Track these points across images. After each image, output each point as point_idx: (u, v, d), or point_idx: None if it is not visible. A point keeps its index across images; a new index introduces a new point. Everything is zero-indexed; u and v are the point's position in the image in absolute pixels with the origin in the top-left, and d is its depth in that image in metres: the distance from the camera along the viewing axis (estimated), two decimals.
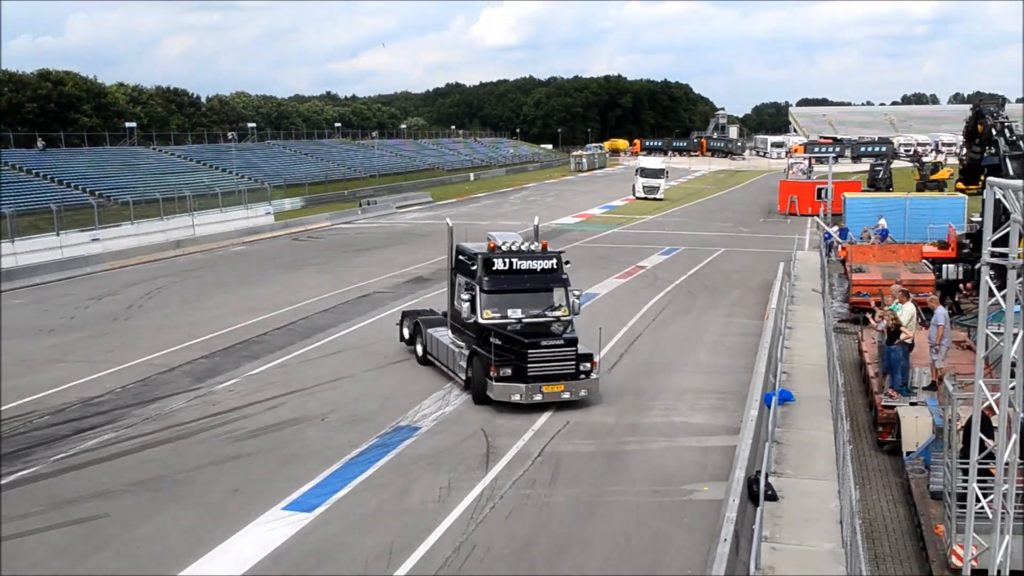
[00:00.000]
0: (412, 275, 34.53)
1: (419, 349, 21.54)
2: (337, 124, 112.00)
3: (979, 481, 10.40)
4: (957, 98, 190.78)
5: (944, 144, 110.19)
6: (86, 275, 36.16)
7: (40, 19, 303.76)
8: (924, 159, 79.65)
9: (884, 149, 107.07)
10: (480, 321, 18.58)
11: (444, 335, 20.48)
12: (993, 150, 29.11)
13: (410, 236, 48.07)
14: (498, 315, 18.66)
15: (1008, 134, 28.81)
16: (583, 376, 18.06)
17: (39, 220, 43.24)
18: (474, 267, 19.19)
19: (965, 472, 10.92)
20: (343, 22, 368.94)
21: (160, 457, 15.66)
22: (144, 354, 22.56)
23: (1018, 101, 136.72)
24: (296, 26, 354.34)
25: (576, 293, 19.37)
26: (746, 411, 16.87)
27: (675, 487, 14.49)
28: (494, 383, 17.70)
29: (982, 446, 10.49)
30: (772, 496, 13.16)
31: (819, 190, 55.78)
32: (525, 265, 19.19)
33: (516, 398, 17.62)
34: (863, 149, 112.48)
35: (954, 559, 11.69)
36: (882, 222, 37.46)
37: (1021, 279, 9.84)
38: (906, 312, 18.86)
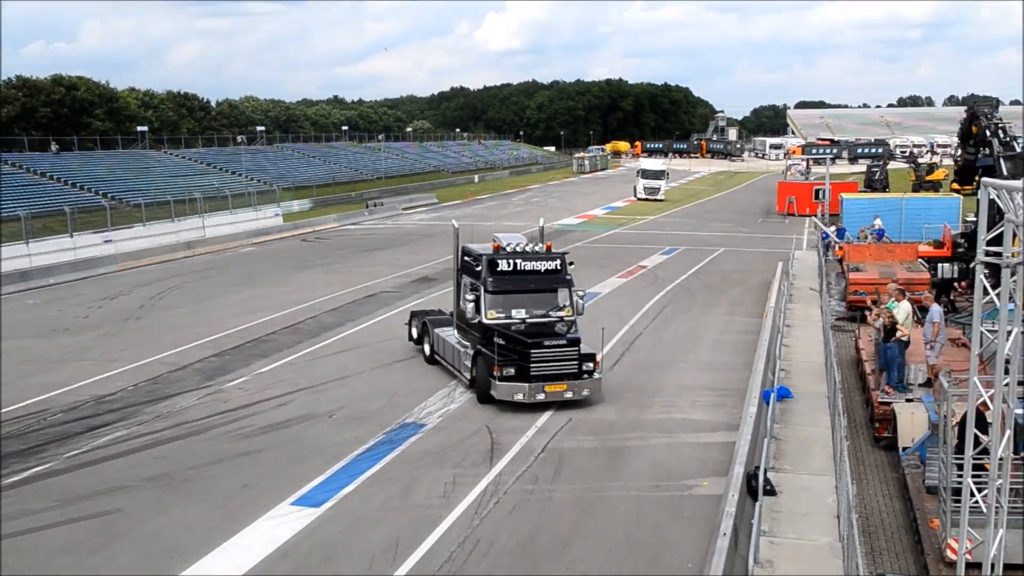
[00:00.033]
0: (418, 275, 34.53)
1: (426, 349, 21.51)
2: (344, 127, 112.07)
3: (973, 476, 10.37)
4: (952, 100, 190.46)
5: (939, 145, 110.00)
6: (99, 276, 36.21)
7: (54, 25, 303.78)
8: (920, 160, 79.56)
9: (880, 150, 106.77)
10: (484, 321, 18.51)
11: (450, 335, 20.43)
12: (987, 151, 29.07)
13: (415, 237, 48.07)
14: (502, 315, 18.58)
15: (1002, 135, 28.76)
16: (586, 376, 17.95)
17: (53, 222, 43.36)
18: (479, 268, 19.13)
19: (960, 467, 10.89)
20: (350, 27, 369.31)
21: (171, 454, 15.69)
22: (155, 353, 22.59)
23: (1012, 103, 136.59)
24: (304, 32, 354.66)
25: (580, 293, 19.31)
26: (745, 408, 16.85)
27: (675, 482, 14.48)
28: (498, 382, 17.65)
29: (977, 442, 10.48)
30: (771, 491, 13.17)
31: (817, 191, 55.59)
32: (529, 266, 19.08)
33: (519, 397, 17.56)
34: (860, 150, 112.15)
35: (949, 553, 11.69)
36: (878, 222, 37.41)
37: (1015, 278, 9.82)
38: (902, 310, 18.85)
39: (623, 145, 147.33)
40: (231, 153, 78.39)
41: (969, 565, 10.47)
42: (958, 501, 10.74)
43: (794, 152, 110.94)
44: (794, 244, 42.85)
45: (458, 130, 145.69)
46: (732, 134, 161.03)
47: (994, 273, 10.25)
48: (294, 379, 20.23)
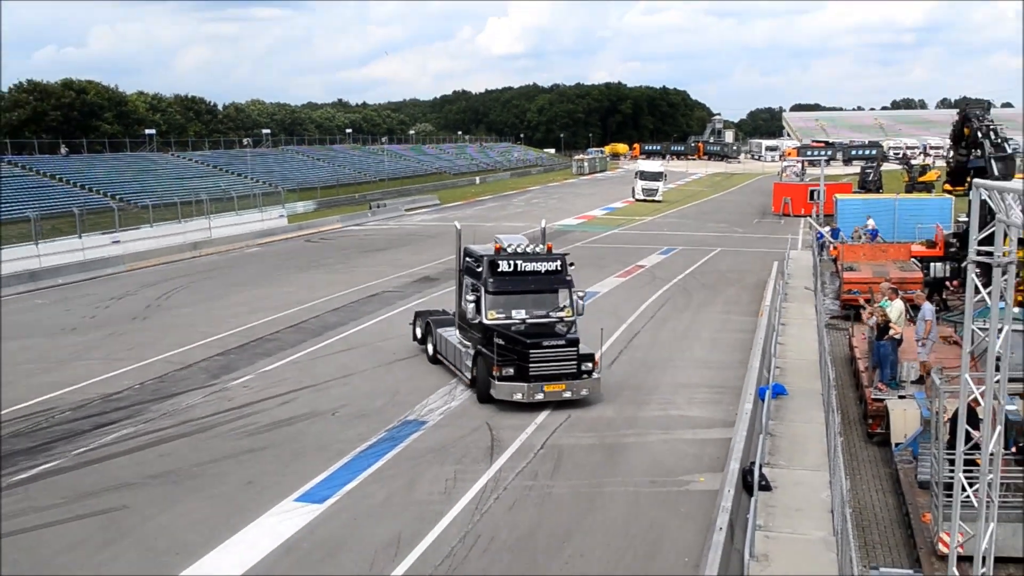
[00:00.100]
0: (420, 275, 34.50)
1: (430, 348, 21.43)
2: (348, 130, 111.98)
3: (965, 471, 10.36)
4: (944, 103, 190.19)
5: (932, 147, 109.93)
6: (107, 276, 36.20)
7: (64, 30, 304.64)
8: (913, 162, 79.53)
9: (874, 152, 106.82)
10: (484, 321, 18.38)
11: (453, 335, 20.30)
12: (979, 152, 29.03)
13: (418, 237, 48.05)
14: (502, 316, 18.44)
15: (993, 137, 28.73)
16: (585, 375, 17.83)
17: (62, 223, 43.33)
18: (480, 269, 19.03)
19: (952, 462, 10.88)
20: (354, 32, 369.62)
21: (177, 451, 15.67)
22: (162, 351, 22.57)
23: (1003, 106, 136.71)
24: (309, 36, 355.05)
25: (580, 294, 19.20)
26: (741, 404, 16.82)
27: (672, 478, 14.45)
28: (497, 382, 17.54)
29: (968, 437, 10.46)
30: (766, 486, 13.14)
31: (811, 192, 55.64)
32: (529, 267, 18.94)
33: (518, 397, 17.45)
34: (854, 152, 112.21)
35: (941, 546, 11.67)
36: (870, 222, 37.33)
37: (1006, 276, 9.80)
38: (895, 309, 18.83)
39: (622, 147, 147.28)
40: (237, 155, 78.31)
41: (961, 558, 10.46)
42: (950, 496, 10.72)
43: (789, 154, 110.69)
44: (789, 244, 42.84)
45: (460, 132, 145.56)
46: (729, 136, 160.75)
47: (985, 272, 10.22)
48: (298, 377, 20.20)
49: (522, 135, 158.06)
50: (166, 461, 15.15)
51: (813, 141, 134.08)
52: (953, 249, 28.89)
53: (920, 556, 12.12)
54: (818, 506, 12.73)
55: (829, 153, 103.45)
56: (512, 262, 18.86)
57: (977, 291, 10.02)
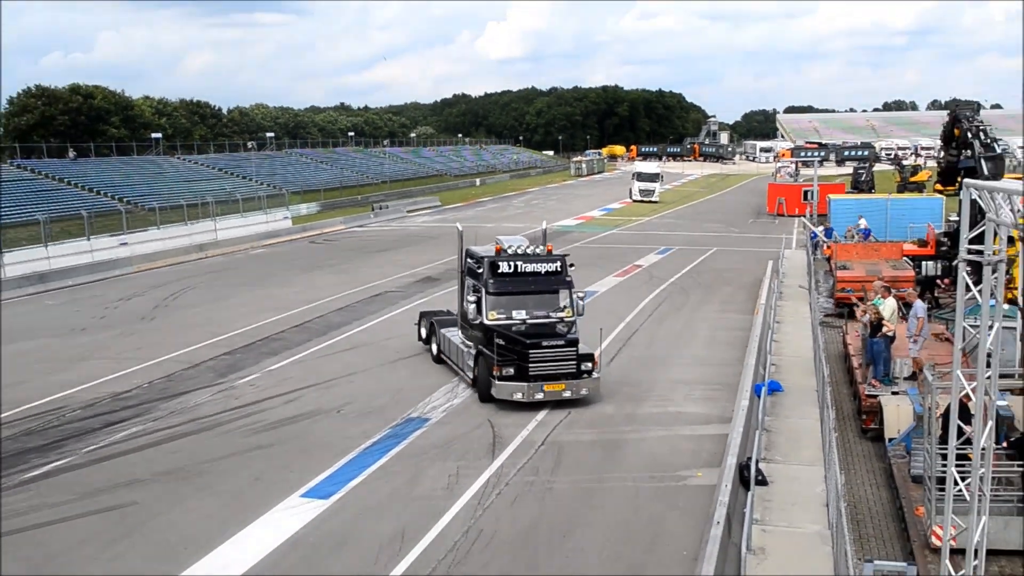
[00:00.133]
0: (422, 275, 34.50)
1: (434, 348, 21.40)
2: (350, 133, 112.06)
3: (957, 465, 10.37)
4: (935, 104, 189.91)
5: (923, 148, 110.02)
6: (115, 277, 36.21)
7: (71, 36, 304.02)
8: (904, 162, 79.60)
9: (866, 153, 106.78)
10: (485, 322, 18.29)
11: (456, 335, 20.23)
12: (969, 153, 29.00)
13: (420, 238, 48.03)
14: (503, 316, 18.34)
15: (983, 137, 28.70)
16: (584, 375, 17.72)
17: (71, 226, 43.35)
18: (481, 270, 18.96)
19: (944, 457, 10.89)
20: (356, 37, 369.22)
21: (185, 448, 15.68)
22: (170, 351, 22.58)
23: (993, 107, 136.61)
24: (312, 41, 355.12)
25: (580, 295, 19.13)
26: (737, 401, 16.85)
27: (671, 473, 14.46)
28: (497, 382, 17.46)
29: (960, 432, 10.47)
30: (762, 481, 13.16)
31: (805, 192, 55.60)
32: (530, 268, 18.85)
33: (518, 396, 17.36)
34: (847, 153, 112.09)
35: (934, 539, 11.69)
36: (862, 222, 37.36)
37: (996, 275, 9.81)
38: (888, 306, 18.82)
39: (619, 149, 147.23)
40: (242, 158, 78.31)
41: (953, 551, 10.47)
42: (942, 489, 10.74)
43: (783, 155, 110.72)
44: (784, 243, 42.81)
45: (460, 135, 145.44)
46: (724, 138, 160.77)
47: (976, 270, 10.23)
48: (303, 376, 20.21)
49: (521, 137, 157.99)
50: (174, 458, 15.16)
51: (807, 142, 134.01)
52: (944, 248, 28.91)
53: (914, 549, 12.13)
54: (813, 500, 12.75)
55: (822, 154, 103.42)
56: (512, 263, 18.79)
57: (968, 289, 10.03)
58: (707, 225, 53.42)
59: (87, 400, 18.55)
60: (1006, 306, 13.97)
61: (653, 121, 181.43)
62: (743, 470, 13.16)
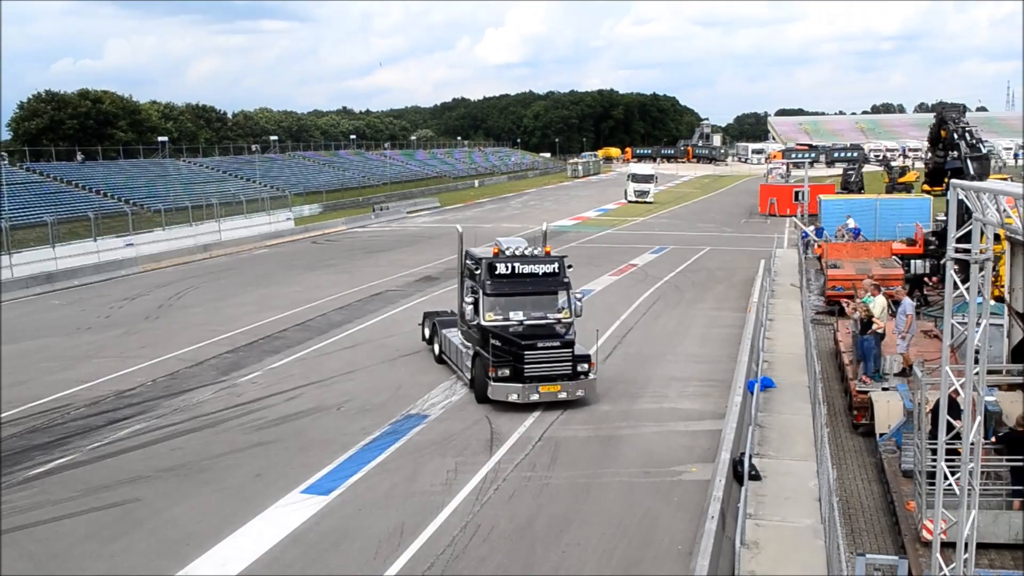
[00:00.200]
0: (421, 275, 34.40)
1: (436, 348, 21.21)
2: (352, 136, 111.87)
3: (947, 460, 10.27)
4: (922, 107, 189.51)
5: (911, 149, 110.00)
6: (121, 277, 36.12)
7: (81, 43, 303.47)
8: (892, 163, 79.69)
9: (856, 155, 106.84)
10: (482, 323, 17.99)
11: (456, 336, 20.00)
12: (955, 154, 28.94)
13: (419, 239, 47.94)
14: (500, 317, 18.04)
15: (968, 138, 28.63)
16: (581, 376, 17.44)
17: (78, 227, 43.28)
18: (479, 271, 18.70)
19: (934, 452, 10.79)
20: (358, 43, 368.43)
21: (188, 445, 15.58)
22: (173, 350, 22.48)
23: (978, 109, 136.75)
24: (315, 47, 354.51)
25: (578, 296, 18.95)
26: (730, 397, 16.75)
27: (665, 468, 14.37)
28: (492, 383, 17.17)
29: (949, 427, 10.37)
30: (755, 476, 13.08)
31: (796, 193, 55.57)
32: (527, 269, 18.52)
33: (513, 398, 17.08)
34: (836, 155, 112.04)
35: (925, 533, 11.59)
36: (850, 221, 37.25)
37: (983, 273, 9.73)
38: (877, 304, 18.71)
39: (614, 151, 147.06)
40: (246, 161, 78.12)
41: (944, 544, 10.38)
42: (932, 484, 10.63)
43: (775, 157, 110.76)
44: (775, 243, 42.73)
45: (459, 138, 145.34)
46: (716, 140, 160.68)
47: (963, 269, 10.13)
48: (304, 374, 20.11)
49: (519, 140, 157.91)
50: (177, 455, 15.07)
51: (797, 144, 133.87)
52: (932, 247, 28.87)
53: (905, 542, 12.05)
54: (806, 495, 12.67)
55: (812, 156, 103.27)
56: (510, 265, 18.49)
57: (956, 287, 9.95)
58: (700, 225, 53.37)
59: (91, 398, 18.44)
60: (993, 303, 13.89)
61: (648, 124, 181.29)
62: (737, 465, 13.08)
